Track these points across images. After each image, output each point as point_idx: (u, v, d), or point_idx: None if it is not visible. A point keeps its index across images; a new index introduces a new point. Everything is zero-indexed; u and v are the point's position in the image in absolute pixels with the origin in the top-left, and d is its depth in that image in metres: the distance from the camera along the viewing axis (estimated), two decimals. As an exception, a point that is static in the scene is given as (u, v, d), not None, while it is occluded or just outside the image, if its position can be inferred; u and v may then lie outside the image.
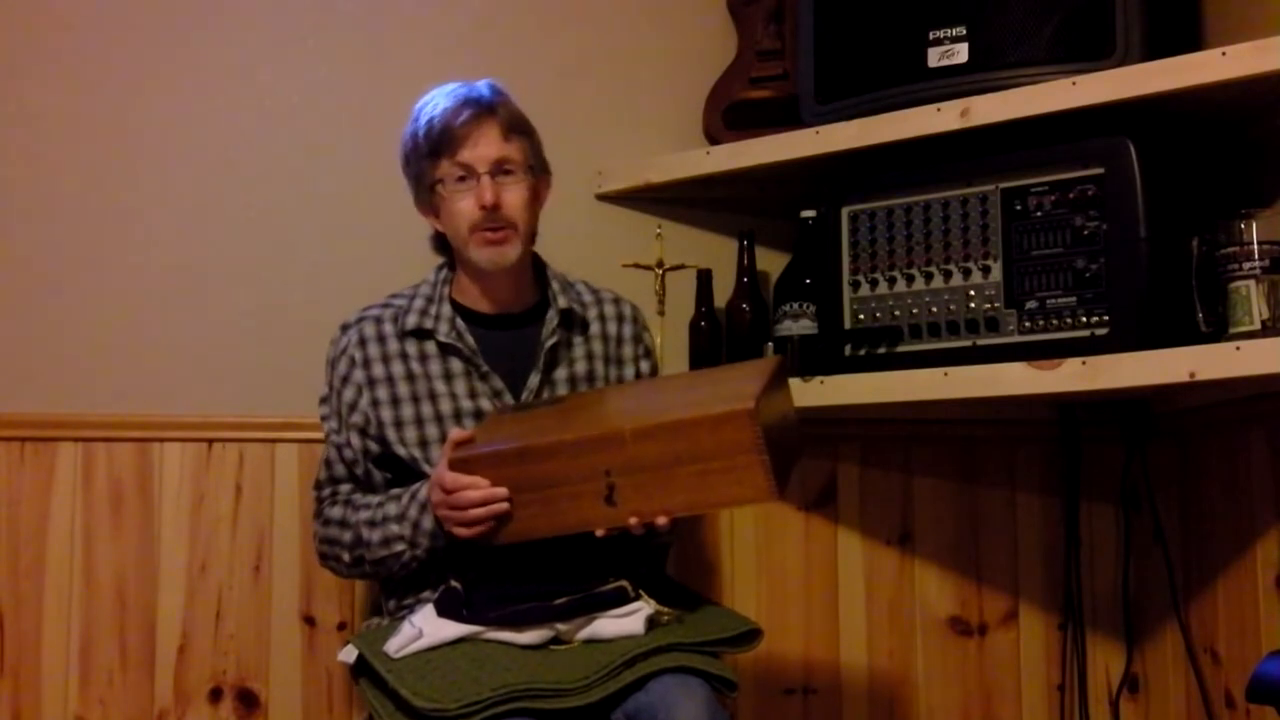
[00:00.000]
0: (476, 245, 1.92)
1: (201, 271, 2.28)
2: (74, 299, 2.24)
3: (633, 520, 1.74)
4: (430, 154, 1.92)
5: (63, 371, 2.23)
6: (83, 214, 2.25)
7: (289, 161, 2.32)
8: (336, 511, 1.94)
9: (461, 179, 1.92)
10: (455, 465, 1.79)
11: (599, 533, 1.75)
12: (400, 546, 1.86)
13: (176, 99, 2.29)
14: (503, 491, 1.77)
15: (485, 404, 1.94)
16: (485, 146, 1.91)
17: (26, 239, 2.24)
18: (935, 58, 2.11)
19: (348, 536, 1.91)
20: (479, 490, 1.77)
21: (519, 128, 1.95)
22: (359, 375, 1.95)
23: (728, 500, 1.75)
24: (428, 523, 1.83)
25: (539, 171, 1.98)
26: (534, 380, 1.96)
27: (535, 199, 1.98)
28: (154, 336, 2.26)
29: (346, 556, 1.91)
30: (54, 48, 2.26)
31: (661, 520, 1.74)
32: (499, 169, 1.92)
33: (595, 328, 2.04)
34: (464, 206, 1.92)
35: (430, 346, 1.96)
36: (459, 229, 1.93)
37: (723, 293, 2.40)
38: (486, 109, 1.92)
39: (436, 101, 1.94)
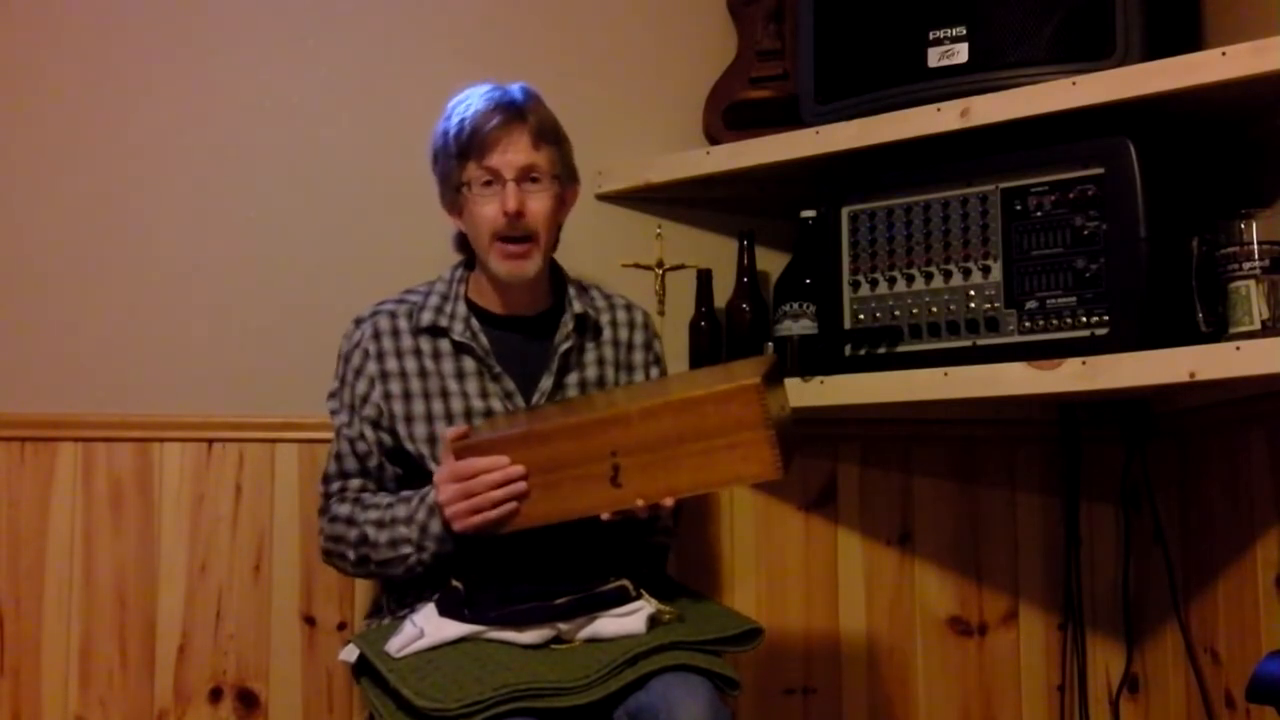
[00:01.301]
0: (497, 257, 1.93)
1: (202, 272, 2.28)
2: (74, 299, 2.24)
3: (639, 502, 1.74)
4: (459, 155, 1.92)
5: (63, 371, 2.23)
6: (83, 214, 2.25)
7: (289, 162, 2.32)
8: (344, 509, 1.93)
9: (487, 183, 1.92)
10: (459, 455, 1.79)
11: (604, 517, 1.75)
12: (407, 549, 1.85)
13: (176, 99, 2.29)
14: (520, 469, 1.76)
15: (496, 404, 1.94)
16: (514, 153, 1.91)
17: (27, 239, 2.24)
18: (935, 58, 2.11)
19: (353, 535, 1.90)
20: (498, 470, 1.76)
21: (549, 135, 1.94)
22: (372, 368, 1.95)
23: (734, 478, 1.76)
24: (435, 526, 1.82)
25: (567, 180, 1.99)
26: (546, 383, 1.96)
27: (561, 207, 1.98)
28: (154, 336, 2.26)
29: (351, 555, 1.91)
30: (54, 47, 2.26)
31: (667, 501, 1.74)
32: (525, 176, 1.92)
33: (607, 333, 2.05)
34: (488, 212, 1.92)
35: (444, 344, 1.96)
36: (481, 234, 1.93)
37: (723, 293, 2.40)
38: (518, 115, 1.92)
39: (470, 102, 1.93)
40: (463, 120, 1.92)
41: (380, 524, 1.88)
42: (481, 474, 1.77)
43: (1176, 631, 2.30)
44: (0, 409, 2.20)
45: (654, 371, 2.10)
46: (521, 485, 1.77)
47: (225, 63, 2.31)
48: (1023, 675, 2.45)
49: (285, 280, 2.30)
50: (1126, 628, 2.41)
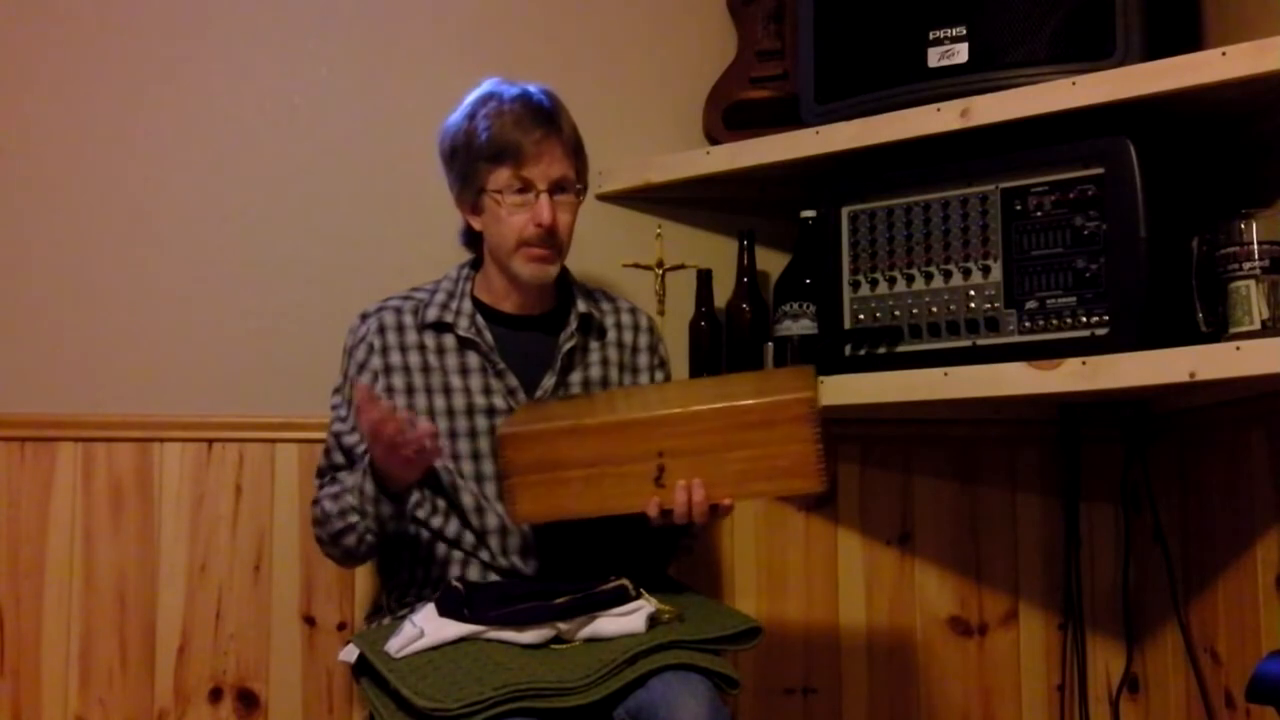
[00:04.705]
0: (522, 260, 1.93)
1: (202, 272, 2.28)
2: (74, 299, 2.24)
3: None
4: (489, 158, 1.91)
5: (63, 371, 2.23)
6: (83, 215, 2.26)
7: (289, 162, 2.32)
8: (323, 493, 1.94)
9: (520, 191, 1.92)
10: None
11: (651, 514, 1.76)
12: (354, 518, 1.85)
13: (176, 100, 2.30)
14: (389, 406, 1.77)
15: (499, 401, 1.94)
16: (551, 165, 1.91)
17: (27, 239, 2.24)
18: (935, 58, 2.11)
19: (317, 512, 1.92)
20: (392, 422, 1.73)
21: (577, 147, 1.96)
22: (376, 362, 1.96)
23: (778, 488, 1.78)
24: (369, 487, 1.83)
25: (585, 190, 2.00)
26: (549, 381, 1.96)
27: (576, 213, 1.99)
28: (154, 336, 2.26)
29: (323, 535, 1.92)
30: (54, 48, 2.27)
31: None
32: (557, 188, 1.92)
33: (612, 335, 2.06)
34: (518, 221, 1.92)
35: (449, 340, 1.97)
36: (505, 240, 1.93)
37: (723, 293, 2.40)
38: (555, 127, 1.92)
39: (500, 105, 1.92)
40: (500, 125, 1.90)
41: (335, 496, 1.89)
42: (388, 420, 1.74)
43: (1176, 631, 2.30)
44: (0, 409, 2.20)
45: (659, 375, 2.10)
46: (404, 414, 1.78)
47: (225, 63, 2.32)
48: (1023, 675, 2.45)
49: (285, 280, 2.30)
50: (1126, 628, 2.41)
